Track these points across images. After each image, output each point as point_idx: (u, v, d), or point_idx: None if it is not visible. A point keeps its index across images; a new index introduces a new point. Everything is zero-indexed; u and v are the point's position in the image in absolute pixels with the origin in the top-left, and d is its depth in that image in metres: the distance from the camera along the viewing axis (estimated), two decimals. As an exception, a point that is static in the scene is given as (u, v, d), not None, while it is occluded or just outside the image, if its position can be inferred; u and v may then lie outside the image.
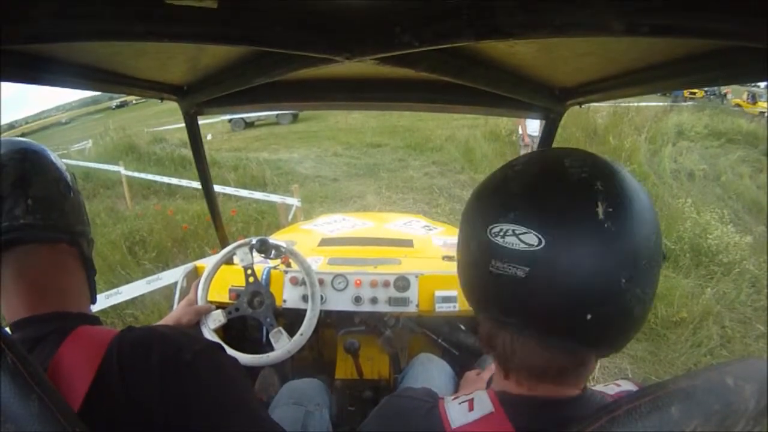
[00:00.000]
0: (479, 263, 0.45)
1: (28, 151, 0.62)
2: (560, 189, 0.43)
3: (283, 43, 0.60)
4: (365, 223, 2.38)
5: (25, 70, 0.68)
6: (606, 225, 0.40)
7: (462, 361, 1.48)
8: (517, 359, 0.47)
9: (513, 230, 0.42)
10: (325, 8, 0.57)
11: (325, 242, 2.02)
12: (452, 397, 0.53)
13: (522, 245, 0.42)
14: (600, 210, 0.41)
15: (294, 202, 4.83)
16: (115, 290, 2.78)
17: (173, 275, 2.91)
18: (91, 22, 0.52)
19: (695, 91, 14.60)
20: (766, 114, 12.29)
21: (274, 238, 1.44)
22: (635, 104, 8.65)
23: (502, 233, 0.43)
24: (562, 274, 0.41)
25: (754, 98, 14.11)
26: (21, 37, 0.53)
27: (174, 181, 6.20)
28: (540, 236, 0.41)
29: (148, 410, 0.52)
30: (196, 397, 0.56)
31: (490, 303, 0.47)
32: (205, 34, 0.57)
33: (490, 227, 0.44)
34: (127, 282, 3.09)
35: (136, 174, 6.75)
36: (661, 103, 11.14)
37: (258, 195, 5.37)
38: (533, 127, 5.68)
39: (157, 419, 0.52)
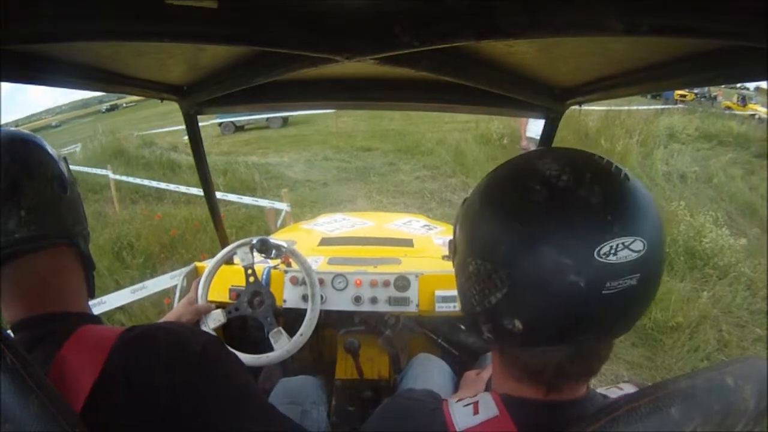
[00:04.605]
0: (586, 292, 0.40)
1: (18, 150, 0.58)
2: (634, 188, 0.43)
3: (283, 43, 0.60)
4: (365, 223, 2.38)
5: (25, 70, 0.68)
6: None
7: (462, 361, 1.48)
8: (553, 370, 0.46)
9: (622, 243, 0.40)
10: (325, 8, 0.57)
11: (325, 242, 2.02)
12: (456, 399, 0.53)
13: (633, 254, 0.40)
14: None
15: (283, 206, 4.75)
16: (98, 300, 2.70)
17: (158, 284, 2.90)
18: (91, 22, 0.52)
19: (685, 93, 14.78)
20: (756, 116, 12.36)
21: (275, 238, 1.44)
22: (626, 107, 8.65)
23: (612, 251, 0.40)
24: (660, 265, 0.44)
25: (744, 100, 14.25)
26: (21, 37, 0.52)
27: (162, 185, 6.10)
28: (643, 239, 0.40)
29: (154, 406, 0.52)
30: (207, 388, 0.56)
31: (592, 326, 0.43)
32: (205, 34, 0.57)
33: (597, 250, 0.39)
34: (115, 288, 3.03)
35: (124, 178, 6.67)
36: (652, 107, 11.15)
37: (247, 200, 5.25)
38: (532, 128, 5.65)
39: (164, 414, 0.52)
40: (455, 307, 1.38)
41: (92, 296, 0.69)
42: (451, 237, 0.54)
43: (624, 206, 0.42)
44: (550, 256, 0.40)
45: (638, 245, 0.40)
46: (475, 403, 0.50)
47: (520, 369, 0.49)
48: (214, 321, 1.27)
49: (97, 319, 0.65)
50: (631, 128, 7.84)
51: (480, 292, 0.45)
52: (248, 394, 0.60)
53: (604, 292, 0.40)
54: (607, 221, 0.40)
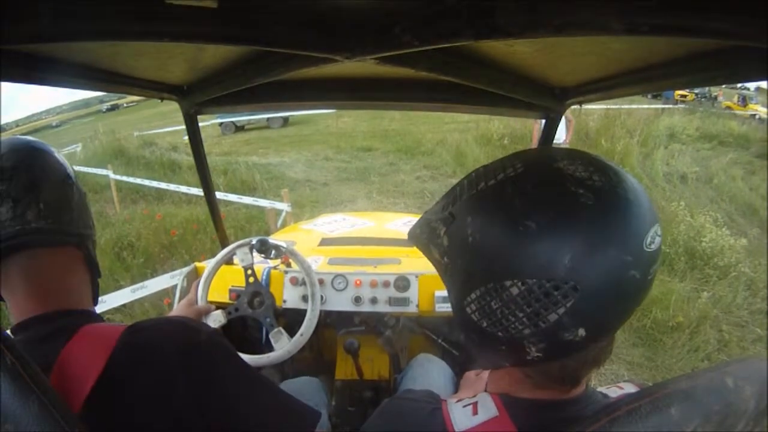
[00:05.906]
0: (641, 283, 0.41)
1: (35, 150, 0.62)
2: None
3: (283, 42, 0.61)
4: (365, 223, 2.39)
5: (25, 70, 0.68)
6: None
7: (462, 362, 1.48)
8: (559, 367, 0.46)
9: (655, 231, 0.42)
10: (325, 8, 0.57)
11: (325, 242, 2.03)
12: (455, 400, 0.53)
13: (659, 239, 0.43)
14: None
15: (284, 207, 4.75)
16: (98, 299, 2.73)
17: (158, 283, 2.91)
18: (91, 22, 0.52)
19: (685, 93, 14.79)
20: (757, 116, 12.36)
21: (274, 238, 1.44)
22: (626, 107, 8.66)
23: (652, 239, 0.41)
24: None
25: (744, 101, 14.27)
26: (21, 37, 0.52)
27: (163, 185, 6.13)
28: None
29: (161, 398, 0.53)
30: (220, 373, 0.58)
31: (630, 311, 0.44)
32: (205, 34, 0.57)
33: (645, 241, 0.41)
34: (116, 288, 3.05)
35: (124, 178, 6.72)
36: (652, 106, 11.15)
37: (247, 200, 5.26)
38: None
39: (175, 403, 0.53)
40: None
41: (95, 303, 0.70)
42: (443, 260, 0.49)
43: (646, 196, 0.43)
44: (614, 257, 0.40)
45: (660, 230, 0.42)
46: (474, 404, 0.50)
47: (547, 377, 0.47)
48: (214, 322, 1.27)
49: (100, 318, 0.66)
50: (632, 128, 7.86)
51: (533, 314, 0.41)
52: (256, 375, 0.63)
53: (648, 277, 0.42)
54: (647, 212, 0.42)
